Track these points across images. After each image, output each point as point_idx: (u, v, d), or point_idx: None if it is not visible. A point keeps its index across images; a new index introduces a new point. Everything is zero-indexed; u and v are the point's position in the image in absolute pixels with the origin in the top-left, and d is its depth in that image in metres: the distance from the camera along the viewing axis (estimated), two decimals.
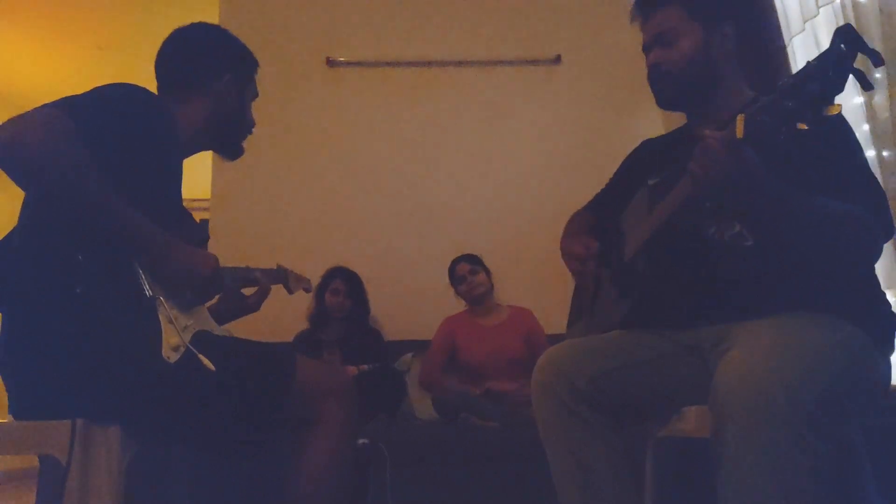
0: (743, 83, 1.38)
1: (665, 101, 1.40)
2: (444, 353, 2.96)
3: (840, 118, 1.19)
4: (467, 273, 3.01)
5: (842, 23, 2.30)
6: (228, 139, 1.48)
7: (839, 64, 0.87)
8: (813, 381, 0.94)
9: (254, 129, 1.53)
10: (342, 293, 3.00)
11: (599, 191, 1.65)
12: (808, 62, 0.89)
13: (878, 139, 2.12)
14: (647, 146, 1.59)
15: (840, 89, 0.88)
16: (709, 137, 1.01)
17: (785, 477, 0.90)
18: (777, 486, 0.90)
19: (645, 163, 1.50)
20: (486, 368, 2.84)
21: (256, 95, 1.53)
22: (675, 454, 1.51)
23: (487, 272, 3.05)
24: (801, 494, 0.90)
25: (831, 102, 0.88)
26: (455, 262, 3.08)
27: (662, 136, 1.60)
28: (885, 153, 2.11)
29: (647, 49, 1.40)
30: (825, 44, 2.39)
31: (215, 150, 1.51)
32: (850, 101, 2.21)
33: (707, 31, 1.32)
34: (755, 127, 0.93)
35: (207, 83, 1.40)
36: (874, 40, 2.18)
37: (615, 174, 1.62)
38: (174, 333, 1.13)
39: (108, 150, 1.12)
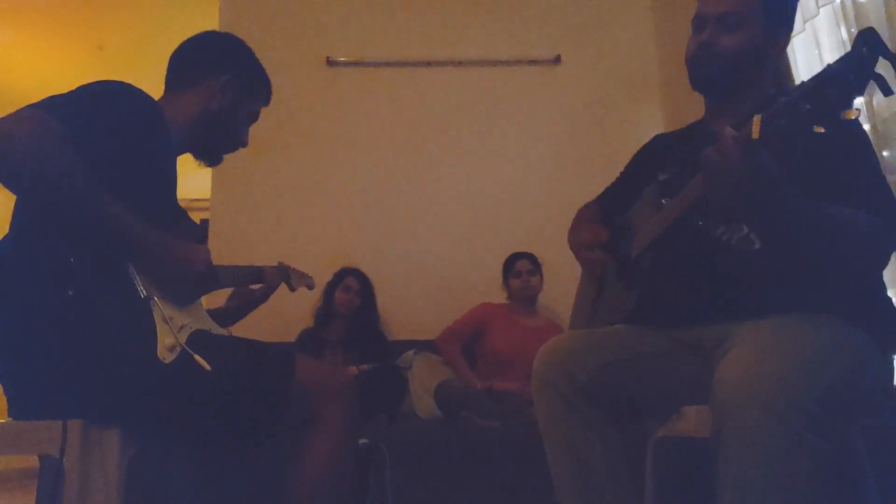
0: (770, 85, 1.36)
1: (700, 81, 1.35)
2: (469, 329, 2.96)
3: (856, 122, 1.16)
4: (525, 272, 3.01)
5: (842, 23, 2.30)
6: (210, 142, 1.45)
7: (861, 68, 0.84)
8: (814, 381, 0.94)
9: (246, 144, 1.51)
10: (353, 291, 3.01)
11: (610, 184, 1.63)
12: (829, 65, 0.87)
13: (879, 139, 2.12)
14: (660, 140, 1.57)
15: (860, 93, 0.86)
16: (725, 136, 0.98)
17: (784, 477, 0.90)
18: (776, 487, 0.90)
19: (656, 157, 1.49)
20: (506, 363, 2.84)
21: (255, 118, 1.51)
22: (675, 454, 1.51)
23: (541, 276, 3.04)
24: (800, 495, 0.90)
25: (850, 107, 0.85)
26: (516, 256, 3.07)
27: (675, 132, 1.57)
28: (885, 153, 2.11)
29: (701, 21, 1.33)
30: (825, 44, 2.41)
31: (195, 152, 1.47)
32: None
33: (766, 32, 1.29)
34: (772, 130, 0.91)
35: (206, 77, 1.40)
36: None
37: (626, 168, 1.61)
38: (169, 333, 1.12)
39: (96, 148, 1.11)
